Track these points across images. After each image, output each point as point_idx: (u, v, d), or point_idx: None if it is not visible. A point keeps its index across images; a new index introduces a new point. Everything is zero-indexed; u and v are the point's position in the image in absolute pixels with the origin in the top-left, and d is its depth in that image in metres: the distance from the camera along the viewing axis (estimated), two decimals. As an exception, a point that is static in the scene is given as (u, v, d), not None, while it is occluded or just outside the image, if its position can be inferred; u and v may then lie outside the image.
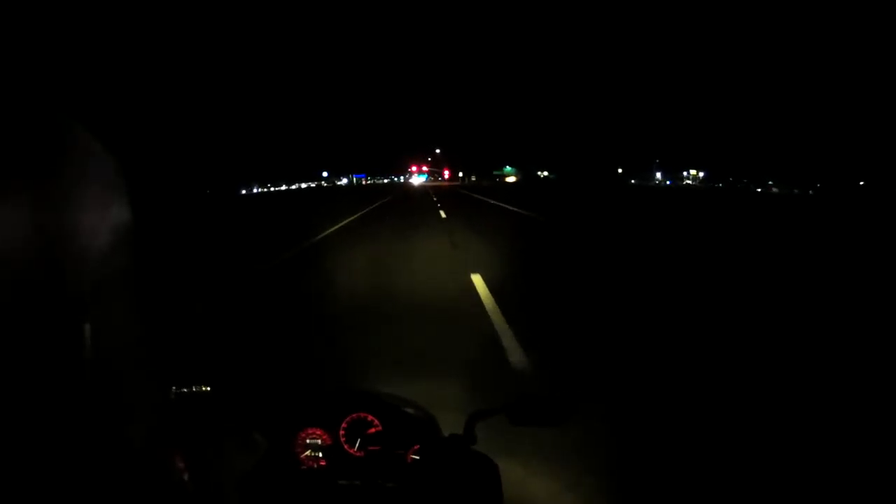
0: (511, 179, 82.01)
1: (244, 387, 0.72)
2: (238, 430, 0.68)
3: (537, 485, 1.27)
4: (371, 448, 0.68)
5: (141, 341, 0.31)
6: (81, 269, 0.26)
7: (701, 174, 56.07)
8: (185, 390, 0.65)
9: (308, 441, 0.70)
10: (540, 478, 1.35)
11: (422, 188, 45.51)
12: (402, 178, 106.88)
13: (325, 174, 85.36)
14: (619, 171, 66.53)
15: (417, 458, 0.68)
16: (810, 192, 30.39)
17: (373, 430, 0.69)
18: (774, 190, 33.91)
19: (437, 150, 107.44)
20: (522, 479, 1.13)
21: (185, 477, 0.43)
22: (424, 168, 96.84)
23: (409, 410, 0.70)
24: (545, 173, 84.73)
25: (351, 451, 0.69)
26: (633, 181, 58.50)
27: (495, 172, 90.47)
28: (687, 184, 54.16)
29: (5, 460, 0.23)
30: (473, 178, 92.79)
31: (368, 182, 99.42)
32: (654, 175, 61.51)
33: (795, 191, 31.29)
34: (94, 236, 0.27)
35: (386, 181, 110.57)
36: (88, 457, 0.26)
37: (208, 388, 0.65)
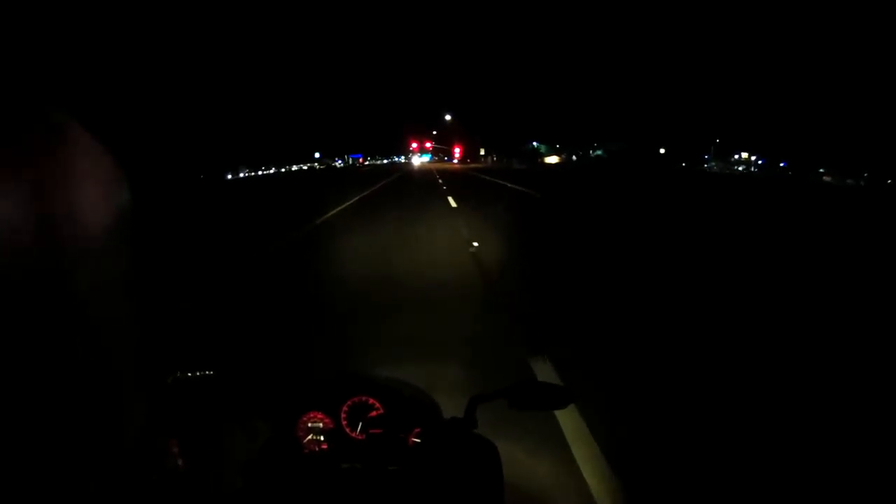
0: (553, 160, 68.05)
1: (247, 371, 0.83)
2: (240, 415, 0.79)
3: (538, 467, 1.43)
4: (372, 431, 0.79)
5: (136, 332, 0.36)
6: (79, 265, 0.30)
7: (752, 158, 57.37)
8: (189, 374, 0.75)
9: (310, 425, 0.81)
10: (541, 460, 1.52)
11: (424, 171, 40.70)
12: (403, 157, 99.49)
13: (317, 155, 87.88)
14: (661, 151, 65.47)
15: (419, 441, 0.78)
16: (861, 182, 32.11)
17: (374, 413, 0.79)
18: (827, 179, 35.57)
19: (448, 117, 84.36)
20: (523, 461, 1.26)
21: (179, 462, 0.52)
22: (427, 144, 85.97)
23: (410, 394, 0.80)
24: (576, 152, 71.33)
25: (353, 434, 0.79)
26: (682, 164, 58.06)
27: (537, 147, 71.12)
28: (738, 170, 55.46)
29: (3, 448, 0.26)
30: (494, 158, 76.57)
31: (365, 164, 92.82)
32: (706, 158, 60.78)
33: (849, 181, 33.01)
34: (92, 233, 0.31)
35: (385, 161, 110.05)
36: (83, 445, 0.31)
37: (211, 373, 0.76)
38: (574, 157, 70.29)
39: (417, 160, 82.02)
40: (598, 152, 69.22)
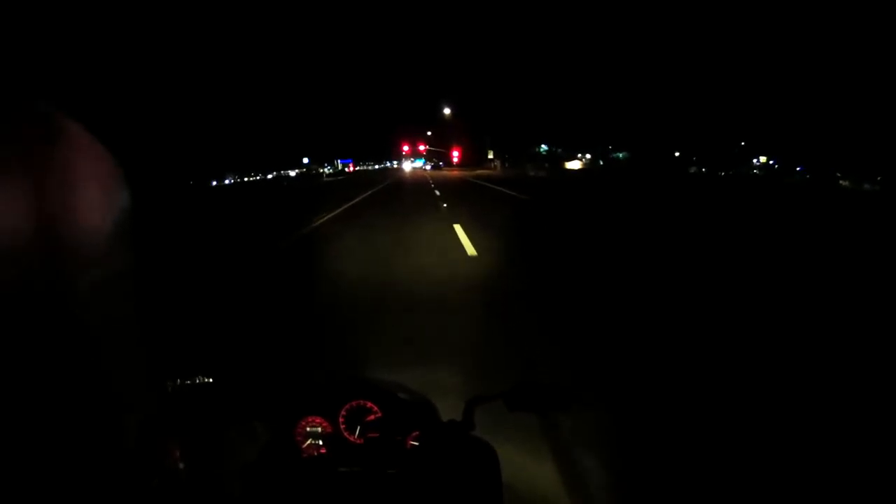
0: (575, 165, 60.11)
1: (245, 377, 0.90)
2: (239, 421, 0.86)
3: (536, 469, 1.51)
4: (371, 435, 0.85)
5: (136, 334, 0.39)
6: (79, 265, 0.33)
7: (770, 162, 58.31)
8: (189, 382, 0.81)
9: (308, 429, 0.87)
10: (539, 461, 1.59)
11: (415, 180, 33.99)
12: (396, 162, 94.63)
13: (305, 161, 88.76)
14: (676, 154, 64.08)
15: (417, 444, 0.84)
16: (876, 187, 33.03)
17: (372, 416, 0.85)
18: (843, 183, 36.46)
19: (447, 111, 72.44)
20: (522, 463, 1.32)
21: (180, 466, 0.57)
22: (421, 147, 78.70)
23: (408, 397, 0.86)
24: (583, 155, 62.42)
25: (351, 438, 0.86)
26: (703, 169, 57.19)
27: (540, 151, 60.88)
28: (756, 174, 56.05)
29: (4, 448, 0.29)
30: (498, 163, 63.56)
31: (341, 171, 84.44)
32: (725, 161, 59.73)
33: (866, 185, 33.91)
34: (92, 233, 0.34)
35: (377, 167, 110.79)
36: (84, 445, 0.33)
37: (210, 380, 0.82)
38: (601, 161, 62.23)
39: (409, 165, 77.16)
40: (621, 154, 62.65)
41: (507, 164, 62.96)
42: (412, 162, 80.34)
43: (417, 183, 28.53)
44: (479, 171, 50.77)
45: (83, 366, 0.33)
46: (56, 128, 0.32)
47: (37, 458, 0.30)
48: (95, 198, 0.35)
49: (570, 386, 0.80)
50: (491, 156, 64.12)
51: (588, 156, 63.13)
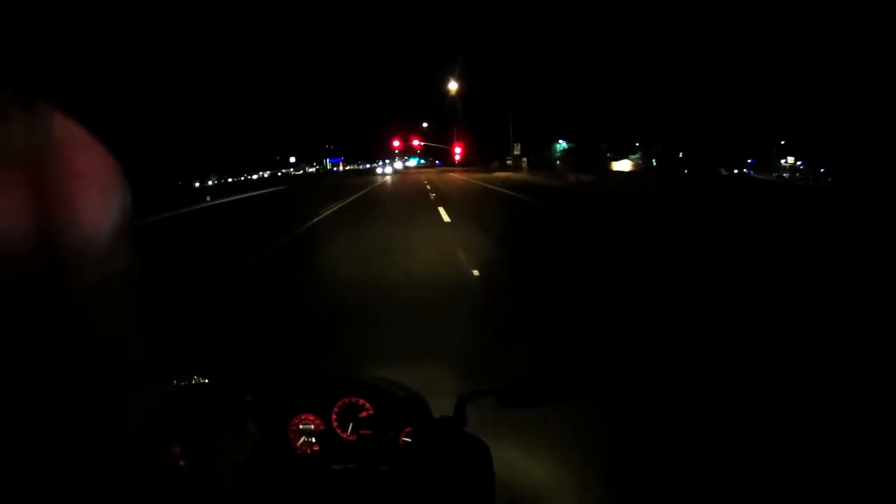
0: (624, 166, 48.91)
1: (239, 376, 0.97)
2: (233, 419, 0.92)
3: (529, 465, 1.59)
4: (363, 432, 0.91)
5: (137, 333, 0.42)
6: (80, 265, 0.34)
7: (798, 163, 57.78)
8: (185, 383, 0.88)
9: (301, 427, 0.93)
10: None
11: (409, 190, 21.81)
12: (387, 161, 77.54)
13: (292, 160, 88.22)
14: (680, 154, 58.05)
15: (409, 440, 0.90)
16: None
17: (364, 413, 0.91)
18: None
19: (452, 87, 50.75)
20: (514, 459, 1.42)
21: (182, 463, 0.62)
22: (416, 142, 65.24)
23: (400, 394, 0.92)
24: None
25: (344, 435, 0.92)
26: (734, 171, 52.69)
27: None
28: (784, 177, 55.10)
29: (6, 446, 0.30)
30: (524, 164, 45.20)
31: (343, 169, 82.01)
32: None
33: None
34: (93, 232, 0.36)
35: (368, 166, 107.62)
36: (85, 444, 0.35)
37: (206, 381, 0.89)
38: (654, 161, 51.38)
39: (401, 166, 67.67)
40: (681, 153, 52.41)
41: (537, 164, 48.91)
42: (405, 161, 71.19)
43: (410, 201, 17.20)
44: (501, 174, 35.46)
45: (84, 365, 0.34)
46: (56, 127, 0.34)
47: (38, 457, 0.32)
48: (95, 197, 0.36)
49: (562, 380, 0.85)
50: (517, 152, 47.82)
51: (609, 156, 54.85)
